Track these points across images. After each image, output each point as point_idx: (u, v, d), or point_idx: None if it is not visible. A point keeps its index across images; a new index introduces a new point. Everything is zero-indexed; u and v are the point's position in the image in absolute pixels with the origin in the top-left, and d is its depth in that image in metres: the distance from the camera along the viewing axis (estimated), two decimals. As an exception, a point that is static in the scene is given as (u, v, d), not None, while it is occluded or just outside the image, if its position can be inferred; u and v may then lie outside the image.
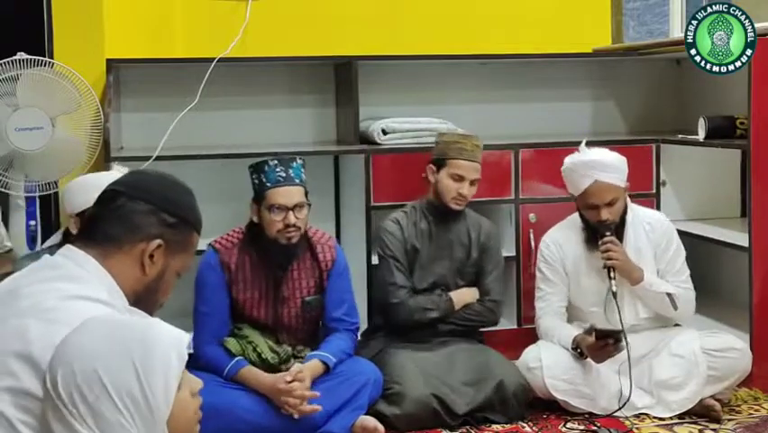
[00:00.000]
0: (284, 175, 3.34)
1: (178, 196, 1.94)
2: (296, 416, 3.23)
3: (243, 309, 3.43)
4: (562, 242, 3.70)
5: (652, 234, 3.66)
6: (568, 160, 3.63)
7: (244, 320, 3.44)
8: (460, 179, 3.68)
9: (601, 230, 3.54)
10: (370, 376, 3.39)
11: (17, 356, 1.62)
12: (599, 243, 3.53)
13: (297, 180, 3.36)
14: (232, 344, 3.36)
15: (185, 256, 1.94)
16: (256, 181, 3.39)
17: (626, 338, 3.41)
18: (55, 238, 3.41)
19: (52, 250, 3.30)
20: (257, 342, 3.37)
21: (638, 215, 3.69)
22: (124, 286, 1.84)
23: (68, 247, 1.86)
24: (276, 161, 3.36)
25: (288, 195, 3.32)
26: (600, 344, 3.41)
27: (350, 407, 3.32)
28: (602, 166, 3.53)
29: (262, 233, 3.38)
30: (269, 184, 3.34)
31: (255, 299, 3.43)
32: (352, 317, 3.53)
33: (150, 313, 1.90)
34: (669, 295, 3.57)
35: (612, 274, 3.49)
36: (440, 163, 3.72)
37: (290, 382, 3.24)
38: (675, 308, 3.59)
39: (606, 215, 3.53)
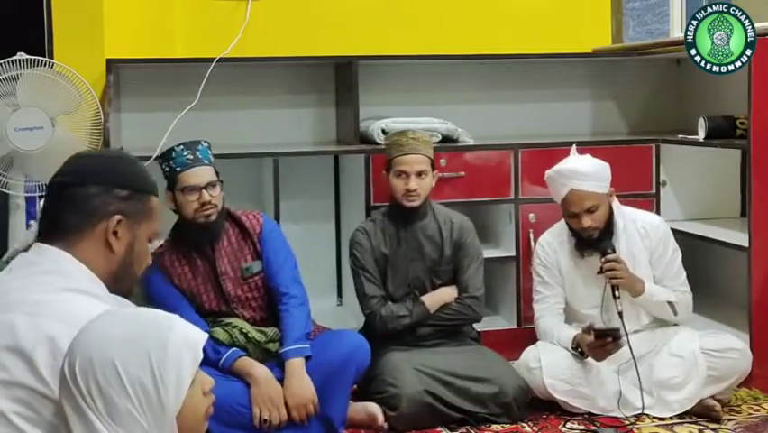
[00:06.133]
0: (192, 157, 3.38)
1: (123, 168, 1.95)
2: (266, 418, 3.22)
3: (194, 300, 3.44)
4: (556, 245, 3.71)
5: (647, 239, 3.65)
6: (549, 170, 3.64)
7: (201, 314, 3.44)
8: (404, 175, 3.65)
9: (603, 246, 3.54)
10: (352, 345, 3.38)
11: (7, 349, 1.65)
12: (602, 260, 3.52)
13: (206, 161, 3.40)
14: (219, 333, 3.36)
15: (149, 222, 1.96)
16: (166, 169, 3.41)
17: (627, 337, 3.43)
18: (28, 239, 3.36)
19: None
20: (241, 325, 3.39)
21: (632, 219, 3.67)
22: (98, 270, 1.86)
23: (38, 245, 1.88)
24: (182, 146, 3.40)
25: (198, 175, 3.36)
26: (599, 342, 3.42)
27: (334, 378, 3.30)
28: (576, 174, 3.53)
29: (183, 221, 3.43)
30: (178, 168, 3.37)
31: (198, 283, 3.44)
32: (296, 278, 3.50)
33: (132, 285, 1.95)
34: (669, 303, 3.59)
35: (617, 293, 3.49)
36: (388, 167, 3.72)
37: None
38: (675, 313, 3.63)
39: (587, 222, 3.53)
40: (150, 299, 3.39)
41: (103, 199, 1.87)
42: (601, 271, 3.53)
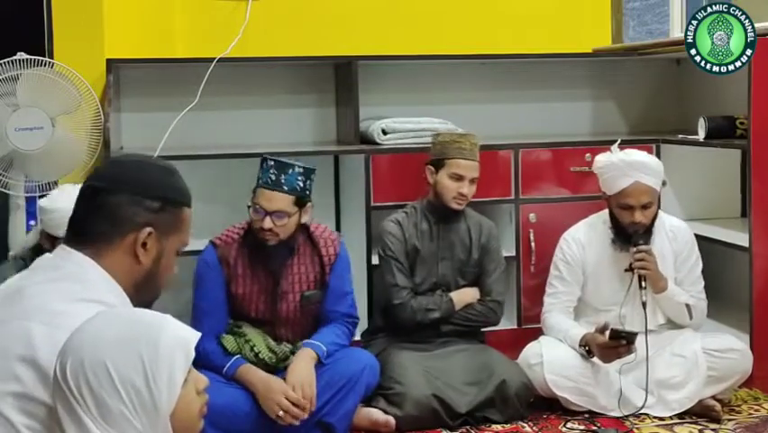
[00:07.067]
0: (274, 179, 3.30)
1: (158, 178, 1.90)
2: (281, 415, 3.21)
3: (242, 304, 3.42)
4: (585, 242, 3.70)
5: (674, 242, 3.68)
6: (604, 158, 3.62)
7: (242, 315, 3.43)
8: (459, 178, 3.68)
9: (635, 239, 3.54)
10: (365, 362, 3.39)
11: (22, 360, 1.62)
12: (634, 250, 3.52)
13: (287, 188, 3.29)
14: (228, 341, 3.35)
15: (180, 234, 1.92)
16: (258, 173, 3.37)
17: (646, 331, 3.44)
18: (32, 239, 3.34)
19: (27, 253, 3.26)
20: (255, 341, 3.36)
21: (663, 221, 3.69)
22: (122, 280, 1.83)
23: (63, 248, 1.84)
24: (273, 162, 3.33)
25: (269, 199, 3.29)
26: (612, 344, 3.41)
27: (345, 390, 3.31)
28: (644, 167, 3.53)
29: None
30: (260, 182, 3.34)
31: (254, 293, 3.41)
32: (352, 312, 3.51)
33: (155, 296, 1.91)
34: (687, 306, 3.61)
35: (644, 284, 3.50)
36: (439, 164, 3.71)
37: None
38: (691, 317, 3.64)
39: (639, 217, 3.53)
40: (196, 279, 3.41)
41: (134, 210, 1.83)
42: (629, 269, 3.53)
